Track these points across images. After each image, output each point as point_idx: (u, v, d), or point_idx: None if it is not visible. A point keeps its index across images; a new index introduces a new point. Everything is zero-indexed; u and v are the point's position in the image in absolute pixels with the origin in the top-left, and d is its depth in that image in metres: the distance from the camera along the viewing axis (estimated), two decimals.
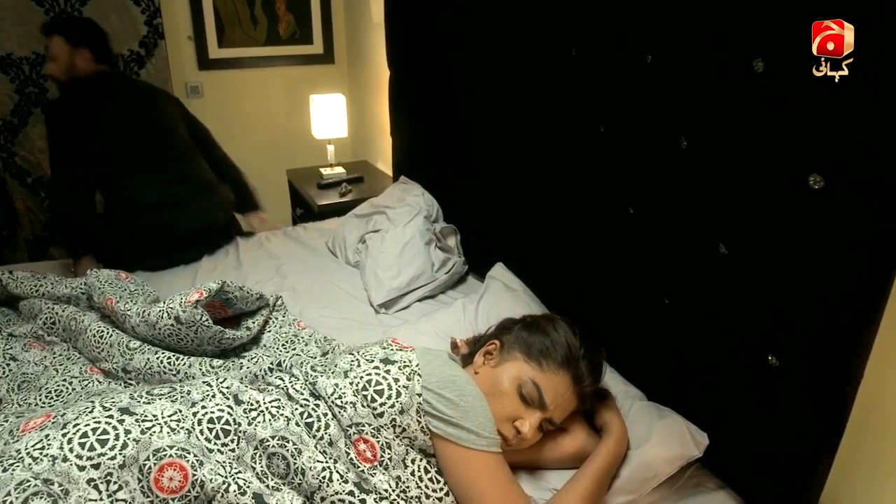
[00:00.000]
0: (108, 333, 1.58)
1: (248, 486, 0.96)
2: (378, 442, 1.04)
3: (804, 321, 1.02)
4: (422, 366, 1.10)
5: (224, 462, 0.98)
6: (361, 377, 1.09)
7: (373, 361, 1.12)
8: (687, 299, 1.26)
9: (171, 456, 0.94)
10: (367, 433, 1.04)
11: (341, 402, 1.06)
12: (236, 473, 0.97)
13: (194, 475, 0.94)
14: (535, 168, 1.69)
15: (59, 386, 1.46)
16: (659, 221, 1.29)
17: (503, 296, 1.66)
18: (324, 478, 0.99)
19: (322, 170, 3.10)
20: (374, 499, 1.00)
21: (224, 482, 0.95)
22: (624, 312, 1.44)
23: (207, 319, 1.53)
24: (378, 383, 1.08)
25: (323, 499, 0.99)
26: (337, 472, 1.01)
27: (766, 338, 1.09)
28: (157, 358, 1.49)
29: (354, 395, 1.07)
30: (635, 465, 1.18)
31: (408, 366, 1.10)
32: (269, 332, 1.73)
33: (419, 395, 1.06)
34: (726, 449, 1.24)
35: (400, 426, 1.06)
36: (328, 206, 2.77)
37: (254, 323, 1.70)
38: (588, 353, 1.18)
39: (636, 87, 1.29)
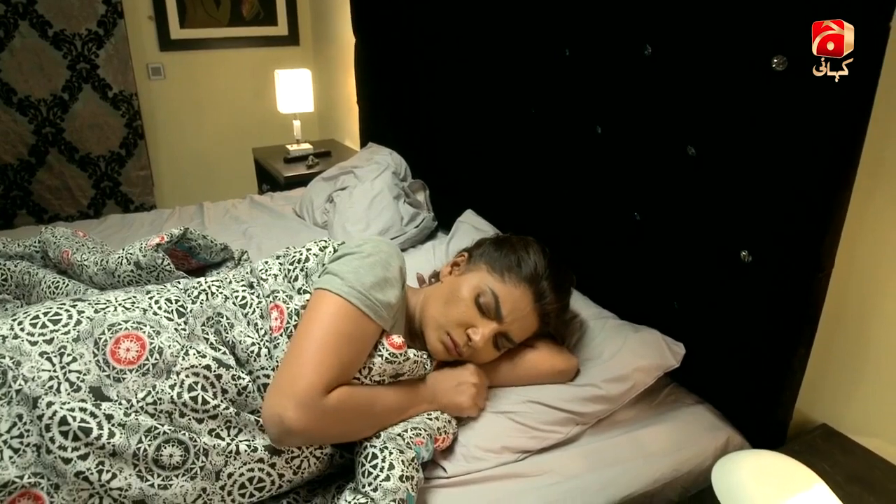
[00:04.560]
0: (64, 283, 1.51)
1: (206, 353, 0.95)
2: (287, 308, 1.02)
3: (774, 211, 1.02)
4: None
5: (180, 335, 0.97)
6: (287, 256, 1.12)
7: (300, 246, 1.15)
8: (658, 210, 1.25)
9: (126, 329, 0.93)
10: (280, 299, 1.04)
11: (265, 274, 1.09)
12: (192, 345, 0.96)
13: (151, 343, 0.93)
14: (500, 102, 1.67)
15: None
16: (627, 135, 1.28)
17: (473, 237, 1.63)
18: (252, 352, 0.98)
19: (289, 146, 3.05)
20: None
21: (182, 348, 0.94)
22: (596, 237, 1.43)
23: (169, 264, 1.47)
24: (295, 255, 1.12)
25: (251, 372, 0.97)
26: (265, 346, 0.99)
27: (737, 234, 1.09)
28: None
29: (279, 270, 1.09)
30: (612, 376, 1.16)
31: (326, 242, 1.13)
32: None
33: (324, 264, 1.06)
34: (703, 364, 1.23)
35: (306, 291, 1.04)
36: (295, 178, 2.72)
37: (218, 274, 1.64)
38: (553, 273, 1.15)
39: (600, 5, 1.28)
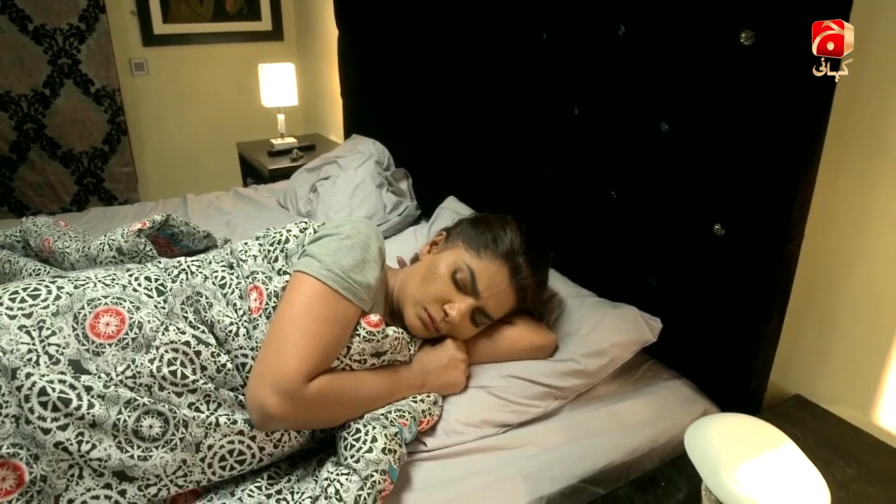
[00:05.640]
0: (45, 271, 1.51)
1: (186, 330, 0.95)
2: (266, 290, 1.02)
3: (744, 183, 1.04)
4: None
5: (160, 312, 0.97)
6: (267, 237, 1.13)
7: (280, 227, 1.15)
8: (634, 188, 1.27)
9: (106, 304, 0.93)
10: (259, 280, 1.04)
11: (245, 255, 1.09)
12: (172, 322, 0.96)
13: (131, 318, 0.93)
14: (480, 88, 1.69)
15: None
16: (603, 115, 1.30)
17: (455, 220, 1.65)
18: (230, 332, 0.98)
19: (273, 140, 3.05)
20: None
21: (162, 324, 0.94)
22: (575, 218, 1.45)
23: (151, 249, 1.47)
24: (275, 236, 1.12)
25: (229, 351, 0.98)
26: (244, 326, 0.99)
27: (710, 208, 1.11)
28: None
29: (258, 251, 1.10)
30: (590, 351, 1.18)
31: (306, 223, 1.13)
32: None
33: (304, 246, 1.06)
34: (680, 340, 1.25)
35: (286, 272, 1.05)
36: (279, 171, 2.72)
37: None
38: (529, 248, 1.17)
39: None
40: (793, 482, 0.79)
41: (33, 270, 1.51)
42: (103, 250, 1.46)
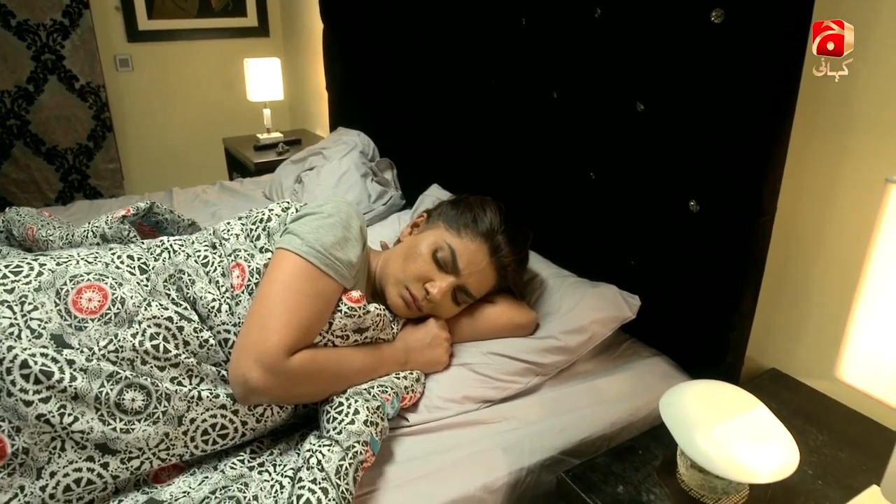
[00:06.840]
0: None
1: (168, 306, 0.96)
2: (249, 267, 1.03)
3: (717, 159, 1.07)
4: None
5: (142, 289, 0.98)
6: (249, 216, 1.14)
7: (263, 207, 1.16)
8: (612, 168, 1.29)
9: (88, 280, 0.94)
10: (241, 258, 1.05)
11: (227, 234, 1.09)
12: (154, 298, 0.97)
13: (114, 294, 0.94)
14: (462, 76, 1.71)
15: None
16: (581, 98, 1.32)
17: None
18: (212, 308, 0.98)
19: (259, 135, 3.05)
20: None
21: (145, 300, 0.95)
22: (556, 200, 1.47)
23: (136, 236, 1.47)
24: (257, 215, 1.13)
25: (212, 327, 0.98)
26: (226, 303, 1.00)
27: (685, 185, 1.13)
28: None
29: (241, 230, 1.11)
30: (570, 328, 1.20)
31: (288, 203, 1.14)
32: None
33: (286, 224, 1.07)
34: (659, 318, 1.27)
35: (268, 250, 1.06)
36: (265, 164, 2.72)
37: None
38: (509, 228, 1.19)
39: None
40: (763, 442, 0.82)
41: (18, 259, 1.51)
42: (87, 237, 1.46)
